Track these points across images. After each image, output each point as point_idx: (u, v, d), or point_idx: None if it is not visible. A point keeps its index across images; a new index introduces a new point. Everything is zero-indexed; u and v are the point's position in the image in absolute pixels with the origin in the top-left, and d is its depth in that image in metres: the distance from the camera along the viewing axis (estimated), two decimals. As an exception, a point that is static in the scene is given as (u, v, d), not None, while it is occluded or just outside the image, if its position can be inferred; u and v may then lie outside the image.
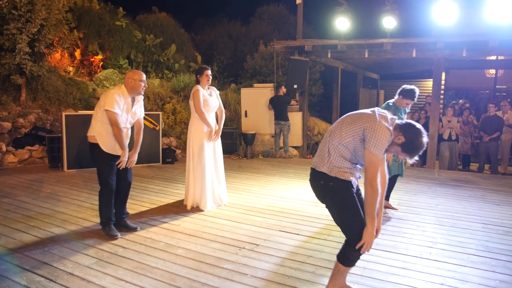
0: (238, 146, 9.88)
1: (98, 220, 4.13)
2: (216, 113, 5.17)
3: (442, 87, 11.74)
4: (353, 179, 2.60)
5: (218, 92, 5.19)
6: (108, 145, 3.93)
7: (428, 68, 12.69)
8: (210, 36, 19.07)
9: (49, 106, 9.39)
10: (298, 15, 10.35)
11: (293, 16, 19.63)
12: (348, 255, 2.60)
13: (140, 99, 4.13)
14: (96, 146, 3.91)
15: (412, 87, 4.64)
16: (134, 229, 4.18)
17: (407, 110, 4.93)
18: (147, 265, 3.30)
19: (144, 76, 3.96)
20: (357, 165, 2.64)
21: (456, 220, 4.68)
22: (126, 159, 3.99)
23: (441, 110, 10.17)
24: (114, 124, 3.85)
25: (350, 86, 14.45)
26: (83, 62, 12.65)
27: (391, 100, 4.82)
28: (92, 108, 8.38)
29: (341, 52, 9.44)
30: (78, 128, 7.34)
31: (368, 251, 2.52)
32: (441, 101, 11.19)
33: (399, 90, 4.73)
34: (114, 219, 4.07)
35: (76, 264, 3.29)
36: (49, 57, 10.04)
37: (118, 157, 4.00)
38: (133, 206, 5.03)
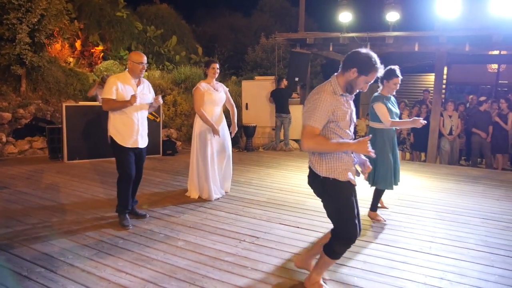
0: (238, 138, 9.87)
1: (98, 210, 4.14)
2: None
3: (444, 81, 11.67)
4: (349, 175, 2.54)
5: (227, 89, 5.27)
6: (126, 138, 3.98)
7: (430, 62, 12.60)
8: (211, 28, 18.98)
9: (50, 97, 9.37)
10: (300, 7, 10.28)
11: (295, 9, 19.50)
12: (335, 248, 2.60)
13: (145, 81, 4.21)
14: (115, 140, 3.98)
15: (388, 67, 4.06)
16: (143, 216, 4.26)
17: (394, 101, 4.41)
18: (147, 257, 3.30)
19: (144, 58, 3.99)
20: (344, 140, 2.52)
21: (456, 215, 4.68)
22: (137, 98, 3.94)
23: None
24: (103, 104, 3.93)
25: (351, 79, 14.38)
26: (84, 53, 12.59)
27: (377, 93, 4.33)
28: (92, 99, 8.36)
29: (343, 45, 9.38)
30: (79, 119, 7.34)
31: (370, 156, 2.44)
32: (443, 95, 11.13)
33: (380, 79, 4.15)
34: (130, 208, 4.13)
35: (76, 255, 3.30)
36: (49, 47, 9.99)
37: (137, 148, 4.08)
38: (133, 197, 5.03)
